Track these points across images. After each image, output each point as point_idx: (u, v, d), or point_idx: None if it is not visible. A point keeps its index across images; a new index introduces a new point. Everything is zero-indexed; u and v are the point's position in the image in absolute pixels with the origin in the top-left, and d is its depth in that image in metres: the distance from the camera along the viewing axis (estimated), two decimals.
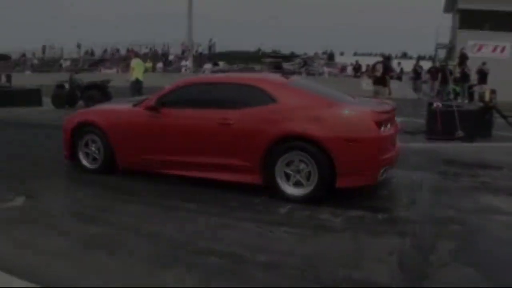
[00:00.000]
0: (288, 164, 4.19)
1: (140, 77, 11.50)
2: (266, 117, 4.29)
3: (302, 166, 4.14)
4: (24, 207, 4.07)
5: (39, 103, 12.77)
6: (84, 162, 5.18)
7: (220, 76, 5.21)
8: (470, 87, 15.54)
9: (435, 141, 7.93)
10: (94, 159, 5.13)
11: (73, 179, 5.15)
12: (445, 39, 24.60)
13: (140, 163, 4.88)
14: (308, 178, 4.13)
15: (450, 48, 23.57)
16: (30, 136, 7.99)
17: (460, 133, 7.90)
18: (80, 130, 5.17)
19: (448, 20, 26.67)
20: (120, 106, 5.52)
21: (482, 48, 19.72)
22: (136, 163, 4.92)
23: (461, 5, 20.69)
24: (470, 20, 20.57)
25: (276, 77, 5.25)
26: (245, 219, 3.82)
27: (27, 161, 5.83)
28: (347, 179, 4.06)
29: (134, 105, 5.06)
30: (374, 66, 10.65)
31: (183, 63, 26.91)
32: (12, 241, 3.26)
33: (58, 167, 5.47)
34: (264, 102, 4.37)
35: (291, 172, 4.19)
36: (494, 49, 19.68)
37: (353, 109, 4.39)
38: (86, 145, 5.15)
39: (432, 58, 28.10)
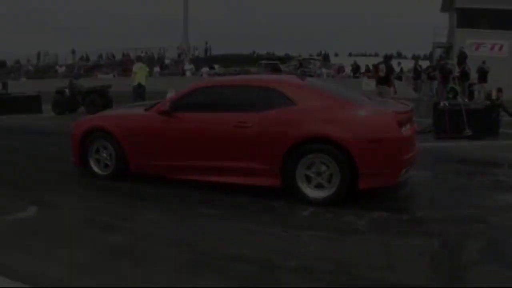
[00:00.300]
0: (308, 167, 4.11)
1: (143, 82, 11.39)
2: (285, 119, 4.22)
3: (323, 168, 4.07)
4: (38, 217, 3.97)
5: (39, 110, 12.61)
6: (96, 168, 5.07)
7: (236, 78, 5.12)
8: (470, 85, 15.59)
9: (444, 140, 7.92)
10: (106, 165, 5.03)
11: (84, 186, 5.04)
12: (443, 39, 24.72)
13: (155, 169, 4.79)
14: (329, 180, 4.07)
15: (448, 47, 23.66)
16: (35, 143, 7.87)
17: (468, 131, 7.89)
18: (90, 136, 5.06)
19: (445, 19, 26.83)
20: (131, 111, 5.43)
21: (480, 47, 19.81)
22: (150, 168, 4.83)
23: (459, 4, 20.77)
24: (468, 18, 20.67)
25: (293, 78, 5.18)
26: (268, 223, 3.75)
27: (34, 169, 5.73)
28: (369, 180, 3.99)
29: (146, 110, 4.98)
30: (377, 66, 10.64)
31: (187, 66, 26.80)
32: (30, 253, 3.14)
33: (67, 174, 5.37)
34: (282, 104, 4.30)
35: (312, 175, 4.12)
36: (492, 48, 19.78)
37: (373, 110, 4.34)
38: (97, 151, 5.05)
39: (428, 58, 28.18)
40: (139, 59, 18.03)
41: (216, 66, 28.88)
